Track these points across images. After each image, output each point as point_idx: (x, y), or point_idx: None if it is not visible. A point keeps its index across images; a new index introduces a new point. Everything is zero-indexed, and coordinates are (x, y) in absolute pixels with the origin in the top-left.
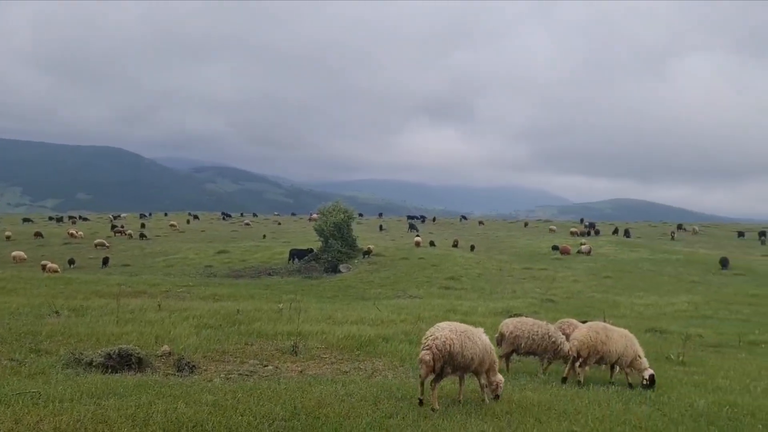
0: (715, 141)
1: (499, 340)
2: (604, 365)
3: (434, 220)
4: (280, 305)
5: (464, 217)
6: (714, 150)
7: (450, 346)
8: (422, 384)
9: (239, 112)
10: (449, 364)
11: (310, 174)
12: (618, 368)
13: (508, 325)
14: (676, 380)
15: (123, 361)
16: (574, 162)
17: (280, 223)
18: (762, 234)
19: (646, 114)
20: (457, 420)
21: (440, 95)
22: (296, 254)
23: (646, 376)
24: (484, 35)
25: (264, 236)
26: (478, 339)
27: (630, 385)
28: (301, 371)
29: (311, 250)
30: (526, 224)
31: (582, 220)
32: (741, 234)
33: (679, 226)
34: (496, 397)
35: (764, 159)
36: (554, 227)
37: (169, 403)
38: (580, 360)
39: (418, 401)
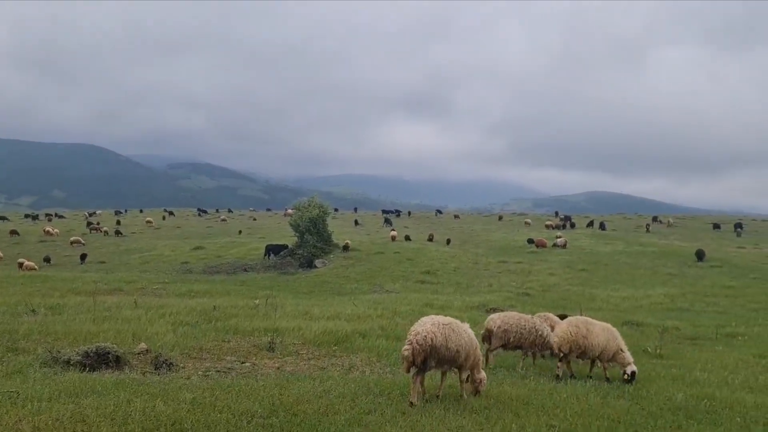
0: (689, 133)
1: (487, 337)
2: (586, 359)
3: (409, 214)
4: (257, 301)
5: (439, 211)
6: (688, 142)
7: (432, 339)
8: (416, 382)
9: (216, 109)
10: (433, 357)
11: (286, 170)
12: (599, 362)
13: (495, 320)
14: (654, 373)
15: (101, 360)
16: (549, 155)
17: (255, 219)
18: (738, 225)
19: (621, 106)
20: (435, 416)
21: (417, 90)
22: (272, 250)
23: (629, 372)
24: (461, 29)
25: (240, 232)
26: (464, 332)
27: (608, 379)
28: (278, 368)
29: (286, 246)
30: (500, 218)
31: (557, 213)
32: (717, 226)
33: (654, 219)
34: (477, 392)
35: (739, 151)
36: (529, 220)
37: (147, 401)
38: (561, 355)
39: (410, 404)
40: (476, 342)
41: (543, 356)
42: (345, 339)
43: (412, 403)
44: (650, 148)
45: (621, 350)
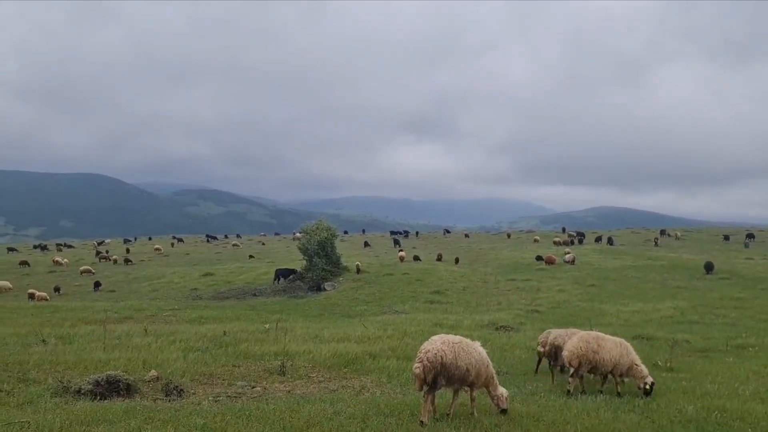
0: (695, 147)
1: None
2: (598, 374)
3: (417, 234)
4: (267, 326)
5: (447, 231)
6: (694, 156)
7: (442, 357)
8: (427, 401)
9: (221, 135)
10: (443, 375)
11: (293, 193)
12: (612, 377)
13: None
14: (664, 387)
15: (111, 388)
16: (555, 172)
17: (264, 244)
18: (750, 236)
19: (626, 123)
20: None
21: (422, 112)
22: (281, 274)
23: (648, 382)
24: (465, 52)
25: (251, 257)
26: (474, 350)
27: (619, 394)
28: (289, 391)
29: (296, 271)
30: (509, 236)
31: (564, 229)
32: (726, 237)
33: (662, 232)
34: (503, 411)
35: (744, 164)
36: (538, 237)
37: (158, 428)
38: (572, 370)
39: (420, 422)
40: (487, 360)
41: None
42: (355, 361)
43: (422, 422)
44: (656, 162)
45: (635, 364)
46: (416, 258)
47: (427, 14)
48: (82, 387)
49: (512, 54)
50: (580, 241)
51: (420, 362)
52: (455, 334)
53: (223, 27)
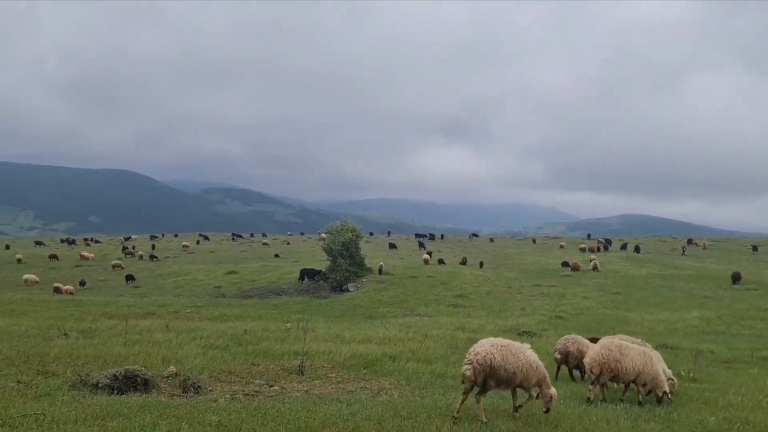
0: (727, 156)
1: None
2: (620, 383)
3: (442, 237)
4: (288, 325)
5: (475, 235)
6: (726, 165)
7: (491, 360)
8: (462, 402)
9: (254, 135)
10: (492, 377)
11: (321, 194)
12: (635, 386)
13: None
14: (686, 397)
15: (129, 383)
16: (584, 178)
17: (289, 243)
18: None
19: (659, 130)
20: None
21: (455, 116)
22: (306, 274)
23: (666, 390)
24: (502, 58)
25: (276, 255)
26: (521, 354)
27: (640, 403)
28: (306, 391)
29: (320, 271)
30: (534, 241)
31: (589, 236)
32: (755, 248)
33: (690, 241)
34: (547, 410)
35: None
36: (564, 243)
37: (172, 424)
38: (593, 378)
39: (453, 419)
40: (537, 362)
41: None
42: (375, 362)
43: (482, 421)
44: (686, 170)
45: (657, 375)
46: (441, 261)
47: (466, 20)
48: (100, 381)
49: (549, 59)
50: (606, 248)
51: (470, 364)
52: (477, 339)
53: (264, 29)
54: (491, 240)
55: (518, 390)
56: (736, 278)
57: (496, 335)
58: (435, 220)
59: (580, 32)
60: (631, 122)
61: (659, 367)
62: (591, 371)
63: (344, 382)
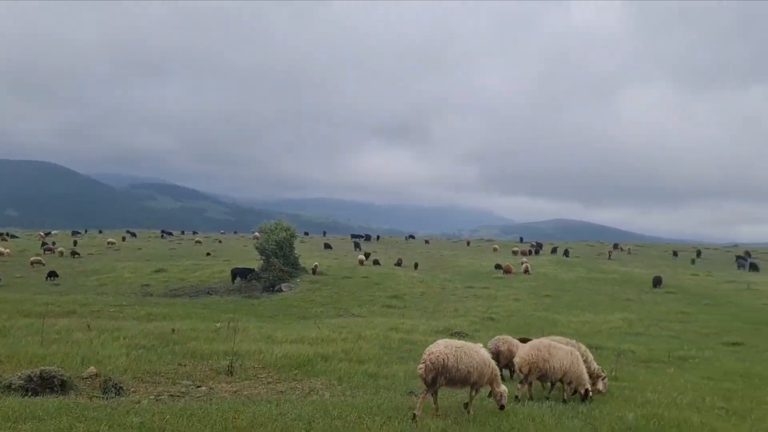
0: (655, 166)
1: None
2: (548, 382)
3: (378, 238)
4: (218, 324)
5: (411, 236)
6: (653, 174)
7: (444, 360)
8: (434, 399)
9: (190, 130)
10: (443, 376)
11: (256, 192)
12: (561, 384)
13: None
14: (608, 394)
15: (45, 384)
16: (520, 183)
17: (221, 242)
18: (698, 253)
19: (594, 140)
20: None
21: (397, 118)
22: (238, 273)
23: (589, 388)
24: (446, 62)
25: (208, 254)
26: (475, 354)
27: (564, 401)
28: (235, 392)
29: (253, 270)
30: (468, 243)
31: (521, 239)
32: (675, 254)
33: (615, 246)
34: (502, 407)
35: (699, 184)
36: (497, 246)
37: (91, 426)
38: (522, 377)
39: (435, 414)
40: (489, 360)
41: None
42: (307, 362)
43: (415, 414)
44: (615, 179)
45: (582, 374)
46: (376, 262)
47: (413, 23)
48: (13, 382)
49: (491, 66)
50: (537, 252)
51: (423, 363)
52: (410, 340)
53: (204, 20)
54: (427, 242)
55: (468, 388)
56: (657, 282)
57: (428, 336)
58: (372, 220)
59: (522, 41)
60: (566, 130)
61: (584, 366)
62: (520, 370)
63: (275, 383)
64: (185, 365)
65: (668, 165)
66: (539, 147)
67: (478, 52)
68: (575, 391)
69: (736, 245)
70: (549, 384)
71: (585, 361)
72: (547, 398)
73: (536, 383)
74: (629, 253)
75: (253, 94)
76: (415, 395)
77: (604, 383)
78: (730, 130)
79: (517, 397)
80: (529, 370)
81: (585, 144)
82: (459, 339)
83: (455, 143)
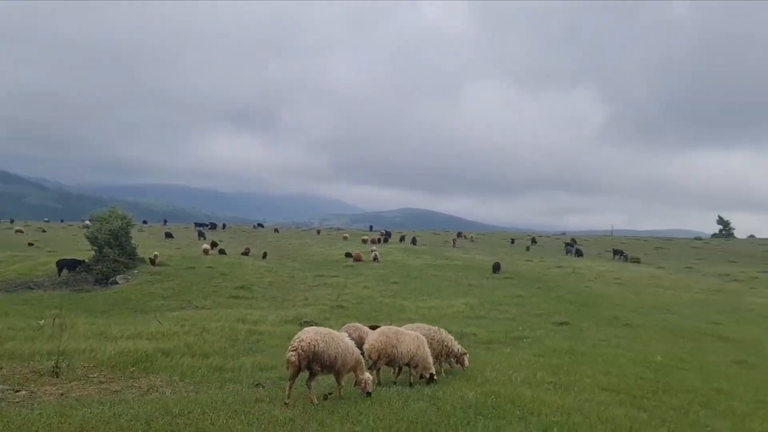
0: (495, 159)
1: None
2: (396, 367)
3: (225, 227)
4: (41, 322)
5: (261, 225)
6: (493, 167)
7: (315, 346)
8: (290, 387)
9: (9, 107)
10: (316, 362)
11: (88, 177)
12: (409, 368)
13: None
14: (451, 375)
15: None
16: (369, 173)
17: (45, 231)
18: (533, 241)
19: (440, 133)
20: (238, 430)
21: (246, 104)
22: (65, 265)
23: (433, 371)
24: (298, 50)
25: (30, 244)
26: (341, 341)
27: (411, 384)
28: (62, 394)
29: (83, 261)
30: (318, 232)
31: (371, 228)
32: (513, 241)
33: (459, 234)
34: (368, 394)
35: (533, 177)
36: (347, 235)
37: None
38: (371, 363)
39: (284, 404)
40: (354, 348)
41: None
42: (145, 359)
43: (287, 403)
44: (462, 171)
45: (428, 357)
46: (222, 252)
47: (264, 8)
48: None
49: (343, 58)
50: (386, 240)
51: (295, 350)
52: (258, 330)
53: None
54: (276, 230)
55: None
56: (496, 268)
57: (277, 326)
58: (218, 208)
59: (374, 35)
60: (415, 123)
61: (429, 351)
62: (369, 357)
63: (108, 382)
64: (1, 368)
65: (506, 159)
66: (389, 138)
67: (331, 42)
68: (422, 376)
69: (564, 233)
70: (397, 369)
71: (448, 344)
72: (395, 383)
73: (385, 368)
74: (472, 241)
75: (82, 70)
76: (263, 387)
77: (468, 358)
78: (559, 128)
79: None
80: (378, 356)
81: (432, 137)
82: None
83: (306, 131)
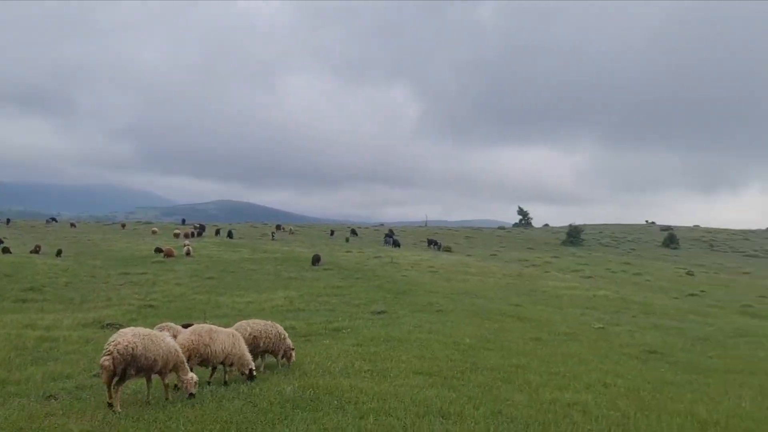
0: (314, 151)
1: None
2: (209, 366)
3: (8, 222)
4: None
5: (54, 219)
6: (313, 159)
7: (133, 349)
8: (109, 388)
9: None
10: (132, 366)
11: None
12: (224, 367)
13: (245, 327)
14: (268, 372)
15: None
16: (182, 163)
17: None
18: (353, 232)
19: (257, 123)
20: None
21: (35, 84)
22: None
23: (252, 367)
24: (96, 27)
25: None
26: (162, 341)
27: (225, 383)
28: None
29: None
30: (123, 226)
31: (184, 221)
32: (332, 233)
33: (278, 227)
34: (191, 395)
35: (352, 169)
36: (157, 229)
37: None
38: None
39: (108, 404)
40: (176, 347)
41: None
42: None
43: (111, 404)
44: (280, 162)
45: (244, 354)
46: (6, 250)
47: None
48: None
49: (151, 39)
50: (200, 234)
51: (109, 354)
52: (52, 336)
53: None
54: (73, 225)
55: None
56: (316, 260)
57: (74, 330)
58: (0, 201)
59: (185, 17)
60: (230, 112)
61: (245, 347)
62: None
63: None
64: None
65: (326, 151)
66: (203, 127)
67: (136, 20)
68: (242, 373)
69: (382, 224)
70: (211, 368)
71: (282, 339)
72: (209, 383)
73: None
74: (291, 233)
75: None
76: (55, 399)
77: (294, 354)
78: (377, 122)
79: (176, 385)
80: (190, 356)
81: (248, 126)
82: (113, 330)
83: (108, 117)
